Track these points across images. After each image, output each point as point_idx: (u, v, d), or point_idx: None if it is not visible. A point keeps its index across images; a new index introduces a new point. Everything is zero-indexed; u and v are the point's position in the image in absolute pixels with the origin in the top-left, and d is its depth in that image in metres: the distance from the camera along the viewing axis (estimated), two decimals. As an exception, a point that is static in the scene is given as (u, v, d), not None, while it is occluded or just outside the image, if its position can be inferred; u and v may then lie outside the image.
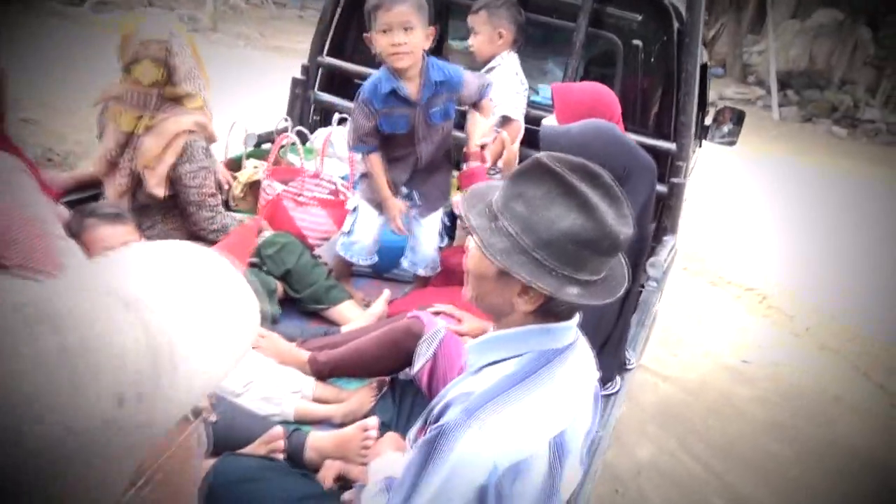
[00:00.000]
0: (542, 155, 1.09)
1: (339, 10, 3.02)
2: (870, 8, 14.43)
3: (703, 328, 4.54)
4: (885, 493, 3.32)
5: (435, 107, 2.19)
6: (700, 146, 2.95)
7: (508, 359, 1.13)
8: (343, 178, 2.66)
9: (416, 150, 2.25)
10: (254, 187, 2.58)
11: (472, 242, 1.14)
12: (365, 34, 2.15)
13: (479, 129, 2.21)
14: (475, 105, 2.27)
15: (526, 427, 1.05)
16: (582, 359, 1.18)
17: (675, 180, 2.58)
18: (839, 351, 4.69)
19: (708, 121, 3.40)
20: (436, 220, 2.41)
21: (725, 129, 3.37)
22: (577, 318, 1.17)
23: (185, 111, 2.06)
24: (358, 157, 2.41)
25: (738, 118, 3.40)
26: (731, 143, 3.45)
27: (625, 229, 1.07)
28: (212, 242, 2.09)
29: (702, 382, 3.87)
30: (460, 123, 2.43)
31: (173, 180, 2.08)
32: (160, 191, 2.05)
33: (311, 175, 2.54)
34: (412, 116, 2.17)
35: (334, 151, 2.81)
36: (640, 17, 2.81)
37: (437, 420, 1.12)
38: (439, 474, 1.02)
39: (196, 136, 2.07)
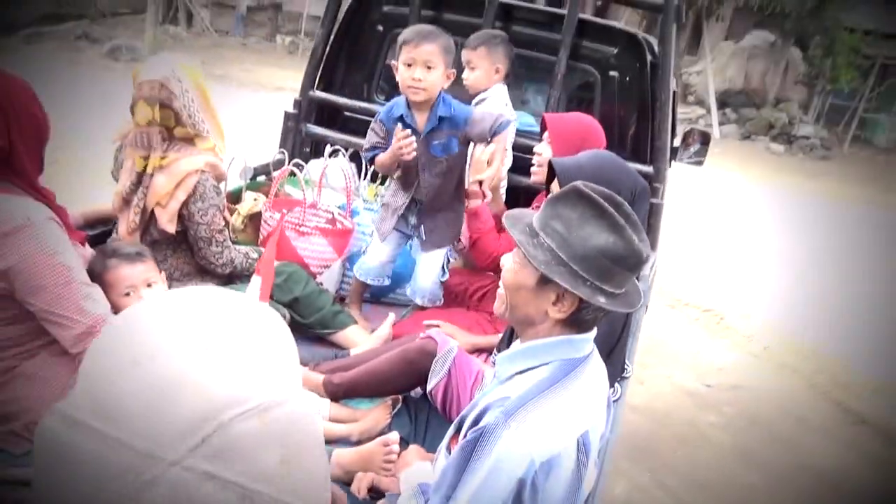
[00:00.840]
0: (576, 183, 1.26)
1: (328, 47, 3.15)
2: (798, 29, 15.08)
3: (665, 352, 4.52)
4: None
5: (436, 140, 2.28)
6: (670, 166, 3.10)
7: (537, 367, 1.27)
8: (340, 207, 2.72)
9: (419, 178, 2.34)
10: (253, 219, 2.64)
11: (509, 261, 1.31)
12: (392, 61, 2.30)
13: (476, 165, 2.27)
14: (487, 143, 2.30)
15: (557, 426, 1.19)
16: (597, 367, 1.34)
17: (654, 201, 2.64)
18: (797, 369, 4.73)
19: (676, 142, 3.49)
20: (439, 255, 2.47)
21: (693, 149, 3.49)
22: (594, 331, 1.32)
23: (197, 151, 2.10)
24: (354, 187, 2.69)
25: (705, 139, 3.52)
26: (699, 163, 3.53)
27: (646, 250, 1.24)
28: (220, 276, 2.23)
29: (668, 411, 3.82)
30: None
31: (184, 217, 2.13)
32: (171, 227, 2.09)
33: (309, 205, 2.60)
34: (419, 144, 2.26)
35: (327, 182, 2.85)
36: (615, 51, 2.99)
37: (474, 424, 1.24)
38: (482, 470, 1.16)
39: (207, 175, 2.12)
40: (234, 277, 2.30)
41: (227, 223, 2.33)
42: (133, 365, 0.50)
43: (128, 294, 1.79)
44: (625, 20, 12.91)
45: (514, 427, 1.16)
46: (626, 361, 1.97)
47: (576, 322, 1.27)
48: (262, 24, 18.34)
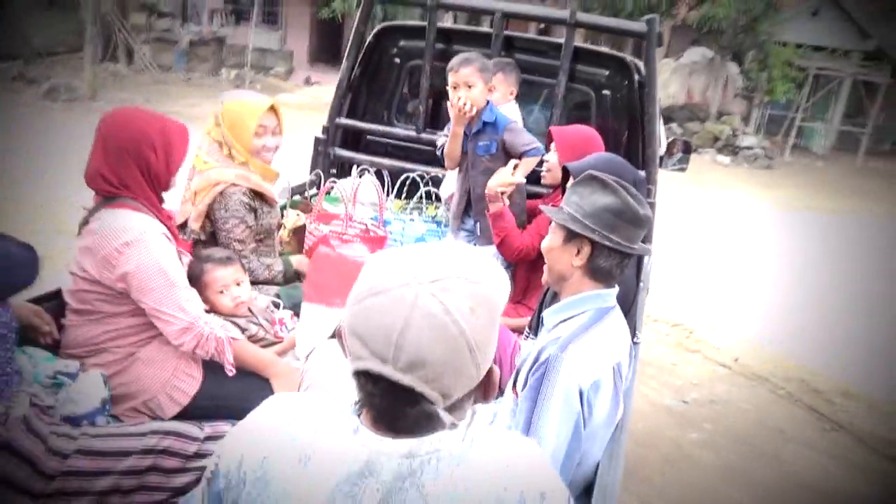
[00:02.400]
0: (592, 171, 1.70)
1: (352, 79, 3.55)
2: (734, 45, 15.63)
3: (640, 369, 4.47)
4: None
5: (481, 140, 2.75)
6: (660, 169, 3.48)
7: (576, 315, 1.64)
8: (373, 218, 3.07)
9: (468, 173, 2.82)
10: (297, 232, 2.96)
11: (548, 236, 1.71)
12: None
13: (498, 177, 2.62)
14: (520, 157, 2.70)
15: (598, 357, 1.55)
16: (620, 318, 1.69)
17: (648, 201, 2.79)
18: (768, 379, 4.75)
19: (661, 151, 3.69)
20: (492, 250, 2.69)
21: (676, 157, 3.76)
22: (616, 288, 1.70)
23: (231, 164, 2.36)
24: (385, 202, 3.15)
25: (686, 148, 3.81)
26: (682, 170, 3.77)
27: (641, 209, 1.63)
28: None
29: (650, 430, 3.76)
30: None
31: (211, 221, 2.39)
32: (195, 225, 2.36)
33: (344, 218, 2.94)
34: (466, 143, 2.78)
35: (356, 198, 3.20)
36: (607, 73, 3.39)
37: (534, 364, 1.57)
38: (556, 388, 1.49)
39: (237, 188, 2.34)
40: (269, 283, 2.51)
41: (263, 237, 2.52)
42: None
43: (221, 292, 2.12)
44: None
45: (567, 358, 1.51)
46: (636, 330, 2.27)
47: (597, 273, 1.65)
48: (205, 59, 18.07)
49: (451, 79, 2.64)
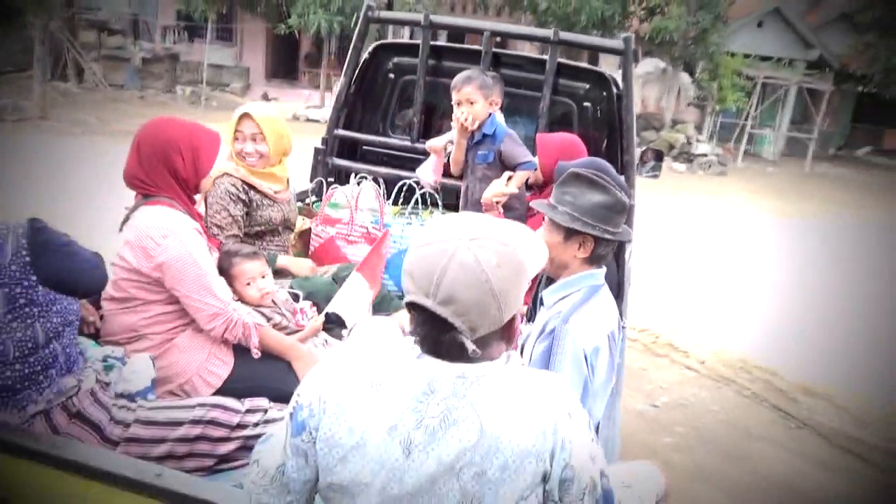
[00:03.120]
0: (572, 170, 1.92)
1: (349, 94, 3.77)
2: (685, 56, 16.06)
3: (610, 378, 4.52)
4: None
5: (480, 150, 2.97)
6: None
7: (571, 293, 1.86)
8: (373, 222, 3.25)
9: (468, 178, 3.05)
10: (302, 236, 3.17)
11: (541, 233, 1.88)
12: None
13: (493, 188, 2.81)
14: (513, 169, 2.88)
15: (595, 326, 1.78)
16: (609, 296, 1.92)
17: (630, 203, 3.23)
18: (734, 380, 4.86)
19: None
20: None
21: (649, 165, 3.97)
22: (605, 268, 1.93)
23: (230, 160, 2.64)
24: (386, 207, 3.32)
25: (658, 156, 4.03)
26: (655, 177, 3.93)
27: (625, 199, 1.87)
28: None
29: (625, 437, 3.77)
30: None
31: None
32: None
33: (347, 222, 3.17)
34: (467, 151, 3.00)
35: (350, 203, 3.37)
36: (587, 86, 3.64)
37: (540, 335, 1.82)
38: (566, 353, 1.72)
39: (228, 178, 2.57)
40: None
41: (266, 230, 2.72)
42: None
43: (248, 284, 2.31)
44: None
45: (570, 328, 1.75)
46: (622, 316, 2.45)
47: (594, 260, 1.88)
48: (159, 76, 17.79)
49: (454, 96, 2.84)
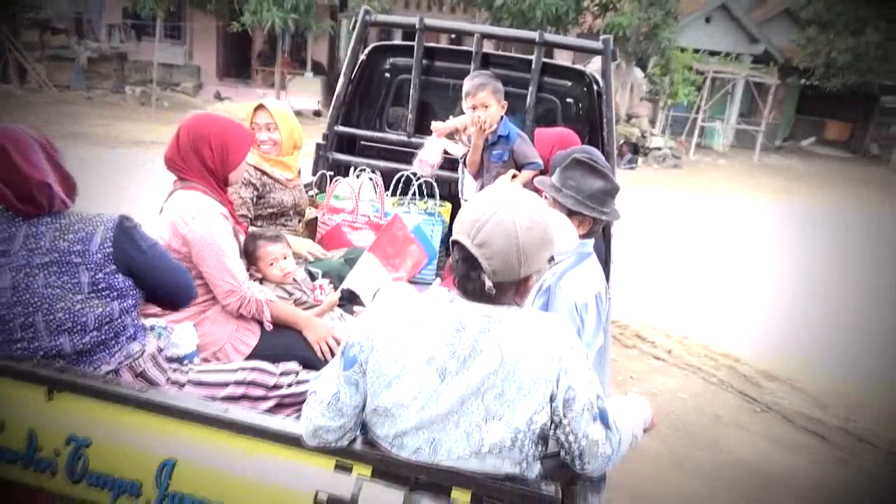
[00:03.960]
0: (574, 156, 2.16)
1: (348, 92, 4.02)
2: (638, 51, 16.35)
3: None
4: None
5: (495, 150, 3.14)
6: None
7: (564, 259, 2.08)
8: (375, 211, 3.48)
9: (484, 176, 3.19)
10: (309, 224, 3.43)
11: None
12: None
13: (499, 184, 3.02)
14: (521, 168, 3.10)
15: (583, 286, 2.05)
16: (596, 261, 2.19)
17: None
18: (700, 368, 4.99)
19: None
20: None
21: (626, 158, 4.88)
22: (593, 240, 2.19)
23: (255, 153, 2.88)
24: (387, 196, 3.58)
25: (635, 149, 4.82)
26: (632, 168, 4.34)
27: (618, 185, 2.15)
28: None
29: (599, 428, 3.86)
30: None
31: None
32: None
33: (350, 211, 3.43)
34: (483, 152, 3.15)
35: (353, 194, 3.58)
36: (570, 84, 3.91)
37: (539, 290, 2.06)
38: (561, 306, 1.99)
39: (245, 166, 2.67)
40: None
41: (277, 213, 2.97)
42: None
43: (272, 264, 2.50)
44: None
45: (563, 285, 2.02)
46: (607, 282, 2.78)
47: (586, 234, 2.12)
48: (106, 76, 17.25)
49: (469, 101, 3.02)
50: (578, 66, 4.03)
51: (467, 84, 3.05)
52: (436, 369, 1.42)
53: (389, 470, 1.50)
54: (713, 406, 4.43)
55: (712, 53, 19.51)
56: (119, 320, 1.86)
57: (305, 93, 18.18)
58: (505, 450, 1.43)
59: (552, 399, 1.41)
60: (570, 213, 2.06)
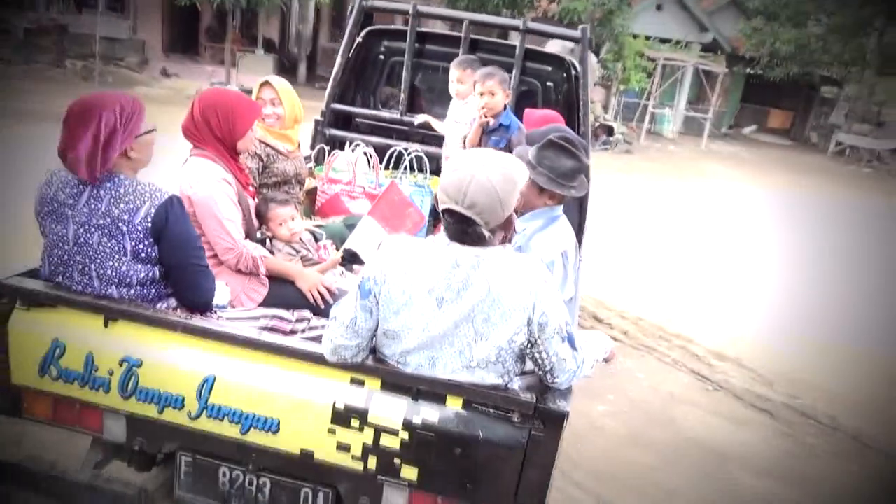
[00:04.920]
0: (550, 136, 2.34)
1: (345, 73, 4.34)
2: (592, 37, 16.50)
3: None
4: (728, 482, 3.64)
5: (494, 136, 3.43)
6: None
7: (535, 221, 2.35)
8: (370, 182, 3.75)
9: None
10: (309, 194, 3.65)
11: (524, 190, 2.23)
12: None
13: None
14: None
15: (550, 244, 2.28)
16: (566, 223, 2.43)
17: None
18: (655, 348, 5.15)
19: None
20: None
21: (601, 140, 5.78)
22: (562, 205, 2.41)
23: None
24: (380, 169, 3.86)
25: (609, 131, 5.64)
26: (606, 149, 5.40)
27: (588, 163, 2.45)
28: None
29: (561, 408, 3.95)
30: None
31: None
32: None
33: (347, 182, 3.70)
34: (482, 135, 3.46)
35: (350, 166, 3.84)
36: (550, 69, 4.32)
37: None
38: None
39: (255, 140, 2.89)
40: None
41: (281, 182, 3.14)
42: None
43: (281, 224, 2.79)
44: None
45: (532, 245, 2.29)
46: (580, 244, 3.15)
47: (557, 203, 2.38)
48: (46, 49, 16.44)
49: (478, 88, 3.33)
50: (558, 53, 4.42)
51: (477, 74, 3.38)
52: (435, 299, 1.73)
53: (396, 382, 1.82)
54: (668, 385, 4.58)
55: (663, 41, 19.87)
56: (161, 281, 2.10)
57: (257, 71, 17.72)
58: (490, 364, 1.76)
59: (529, 323, 1.72)
60: (542, 189, 2.31)
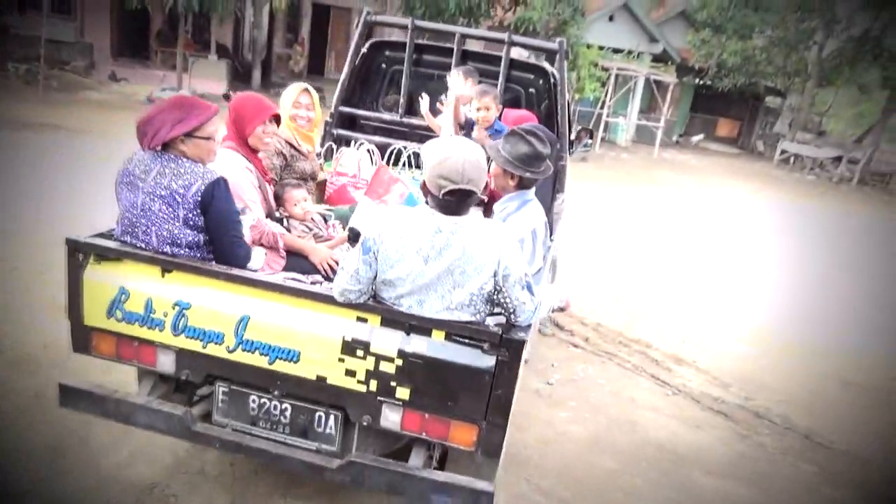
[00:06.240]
0: (514, 128, 2.87)
1: (352, 79, 4.89)
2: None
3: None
4: (687, 483, 3.72)
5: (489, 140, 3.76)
6: (571, 154, 4.85)
7: (509, 205, 2.87)
8: (371, 175, 4.16)
9: None
10: (319, 185, 4.01)
11: (493, 171, 2.85)
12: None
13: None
14: None
15: (522, 224, 2.77)
16: (537, 205, 2.90)
17: (561, 163, 4.41)
18: (616, 354, 5.22)
19: (572, 137, 5.10)
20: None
21: (583, 143, 5.12)
22: (533, 189, 2.90)
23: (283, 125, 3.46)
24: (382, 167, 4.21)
25: (590, 134, 5.17)
26: (588, 150, 5.29)
27: (545, 150, 2.79)
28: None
29: (525, 415, 3.98)
30: None
31: None
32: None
33: (352, 175, 4.12)
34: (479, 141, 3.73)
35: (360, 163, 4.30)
36: (532, 77, 4.89)
37: None
38: None
39: (277, 138, 3.35)
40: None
41: (299, 178, 3.53)
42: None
43: (296, 205, 3.26)
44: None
45: (507, 224, 2.76)
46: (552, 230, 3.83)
47: (523, 185, 2.85)
48: (-15, 51, 15.81)
49: (476, 103, 3.85)
50: (540, 63, 4.96)
51: (475, 91, 3.89)
52: (422, 257, 2.22)
53: (392, 318, 2.29)
54: (629, 390, 4.65)
55: (616, 51, 20.29)
56: (205, 246, 2.53)
57: (210, 76, 17.44)
58: (465, 307, 2.25)
59: (495, 275, 2.23)
60: (505, 170, 2.82)
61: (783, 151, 23.49)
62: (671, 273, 7.99)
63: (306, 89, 3.60)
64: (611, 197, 12.52)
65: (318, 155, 4.25)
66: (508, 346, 2.19)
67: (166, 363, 2.48)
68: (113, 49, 19.22)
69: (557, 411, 4.16)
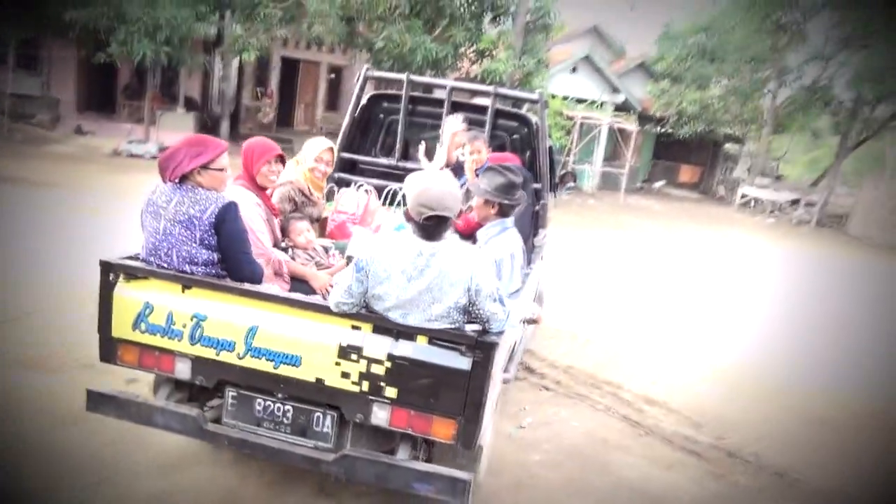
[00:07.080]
0: (490, 164, 3.65)
1: (352, 128, 5.45)
2: (512, 97, 17.11)
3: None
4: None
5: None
6: (556, 196, 5.48)
7: (490, 231, 3.38)
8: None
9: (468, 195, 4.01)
10: (321, 221, 4.41)
11: (475, 203, 3.44)
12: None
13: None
14: None
15: (501, 248, 3.29)
16: (515, 233, 3.41)
17: (542, 202, 5.09)
18: (587, 396, 5.20)
19: (556, 181, 5.65)
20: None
21: (567, 185, 5.72)
22: (512, 217, 3.40)
23: (296, 172, 4.06)
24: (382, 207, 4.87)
25: (574, 178, 5.83)
26: (570, 192, 5.67)
27: (517, 179, 3.36)
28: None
29: (499, 459, 3.90)
30: None
31: None
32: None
33: (352, 214, 4.54)
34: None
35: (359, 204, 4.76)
36: (516, 124, 5.49)
37: None
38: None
39: (290, 185, 3.92)
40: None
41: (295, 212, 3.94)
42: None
43: (299, 235, 3.69)
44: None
45: (488, 247, 3.25)
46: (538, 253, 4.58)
47: (502, 213, 3.33)
48: (-53, 105, 15.61)
49: (468, 147, 4.42)
50: (522, 112, 5.58)
51: (467, 136, 4.51)
52: (406, 276, 2.57)
53: (383, 326, 2.62)
54: (601, 431, 4.62)
55: (579, 101, 20.86)
56: (218, 264, 2.84)
57: (177, 128, 17.40)
58: (443, 318, 2.59)
59: (468, 291, 2.58)
60: (485, 201, 3.31)
61: (743, 195, 24.15)
62: (641, 315, 8.05)
63: (331, 148, 4.08)
64: (580, 241, 12.67)
65: (328, 193, 4.68)
66: (482, 347, 2.53)
67: (183, 370, 2.80)
68: (79, 103, 19.18)
69: (531, 455, 4.10)
